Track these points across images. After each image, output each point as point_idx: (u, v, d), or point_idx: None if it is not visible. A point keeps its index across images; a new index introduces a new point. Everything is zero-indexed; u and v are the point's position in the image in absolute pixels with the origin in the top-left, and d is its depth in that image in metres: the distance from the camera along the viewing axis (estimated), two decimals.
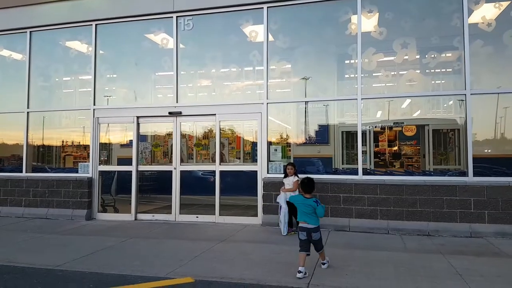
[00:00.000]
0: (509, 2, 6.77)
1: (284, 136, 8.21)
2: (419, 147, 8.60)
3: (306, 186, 4.73)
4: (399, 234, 6.59)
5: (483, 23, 6.87)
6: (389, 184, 6.82)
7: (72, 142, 9.79)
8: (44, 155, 9.79)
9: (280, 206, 6.70)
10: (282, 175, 7.00)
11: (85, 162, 8.85)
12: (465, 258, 5.21)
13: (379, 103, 7.82)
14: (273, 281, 4.28)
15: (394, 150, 8.92)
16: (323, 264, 4.73)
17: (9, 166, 9.70)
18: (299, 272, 4.36)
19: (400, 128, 8.43)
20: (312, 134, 8.23)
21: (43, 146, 9.60)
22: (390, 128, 8.36)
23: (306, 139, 8.20)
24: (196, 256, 5.34)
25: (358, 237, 6.43)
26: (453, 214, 6.54)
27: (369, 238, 6.36)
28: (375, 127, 8.16)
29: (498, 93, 6.80)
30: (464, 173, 6.82)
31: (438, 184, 6.65)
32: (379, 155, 8.84)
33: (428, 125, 8.59)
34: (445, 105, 8.14)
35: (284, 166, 7.15)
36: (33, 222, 8.13)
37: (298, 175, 6.67)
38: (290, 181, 6.67)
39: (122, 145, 9.40)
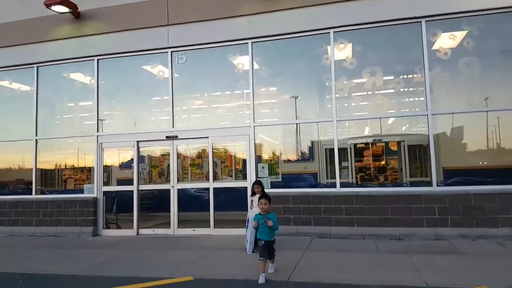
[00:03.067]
0: (463, 34, 8.03)
1: (273, 154, 9.32)
2: (397, 160, 9.75)
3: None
4: (373, 239, 7.66)
5: (440, 52, 8.14)
6: (363, 195, 7.95)
7: (73, 165, 10.77)
8: (47, 178, 10.79)
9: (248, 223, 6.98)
10: (270, 189, 8.07)
11: (86, 183, 9.97)
12: (426, 257, 6.27)
13: (360, 121, 8.98)
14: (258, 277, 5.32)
15: (378, 164, 10.05)
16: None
17: (18, 189, 10.70)
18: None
19: (383, 144, 9.58)
20: (298, 151, 9.36)
21: (47, 170, 10.64)
22: (372, 144, 9.48)
23: (293, 156, 9.33)
24: (194, 262, 6.38)
25: (337, 242, 7.50)
26: (420, 220, 7.65)
27: (347, 243, 7.42)
28: (356, 144, 9.30)
29: (454, 112, 8.03)
30: (429, 183, 7.96)
31: (406, 194, 7.80)
32: (364, 170, 9.97)
33: (404, 141, 9.77)
34: (419, 124, 9.29)
35: (252, 184, 7.34)
36: (44, 239, 9.11)
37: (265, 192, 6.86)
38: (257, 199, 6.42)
39: (121, 167, 10.47)
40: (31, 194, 10.07)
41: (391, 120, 8.96)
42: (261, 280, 5.20)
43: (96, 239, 9.03)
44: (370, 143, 9.37)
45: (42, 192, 10.23)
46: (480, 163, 8.19)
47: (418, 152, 9.16)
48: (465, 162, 8.35)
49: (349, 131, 9.19)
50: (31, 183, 10.41)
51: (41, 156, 10.41)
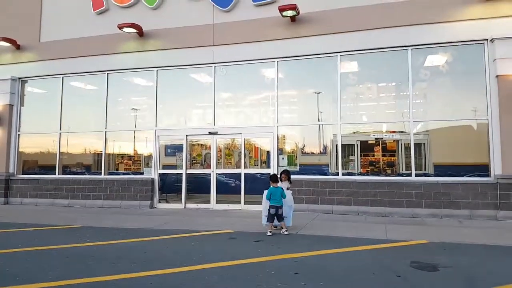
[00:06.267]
0: (440, 59, 10.80)
1: (292, 147, 12.33)
2: (395, 156, 12.52)
3: (275, 178, 8.50)
4: (365, 215, 10.60)
5: (421, 73, 10.92)
6: (358, 181, 10.89)
7: (123, 153, 14.21)
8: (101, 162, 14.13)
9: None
10: None
11: (132, 168, 13.55)
12: (397, 226, 9.13)
13: (365, 124, 11.87)
14: (277, 231, 8.38)
15: (380, 159, 12.86)
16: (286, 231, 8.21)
17: (78, 171, 14.17)
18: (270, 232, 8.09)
19: (392, 141, 12.31)
20: (314, 146, 12.32)
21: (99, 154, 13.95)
22: (376, 141, 12.22)
23: (309, 149, 12.31)
24: (232, 223, 9.50)
25: (336, 216, 10.48)
26: (401, 202, 10.52)
27: (344, 217, 10.39)
28: (361, 141, 12.12)
29: (428, 120, 10.89)
30: (410, 174, 10.81)
31: (392, 182, 10.68)
32: (374, 163, 12.82)
33: (401, 139, 12.56)
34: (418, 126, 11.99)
35: (280, 173, 9.31)
36: (113, 210, 12.47)
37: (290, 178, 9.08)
38: (284, 186, 8.60)
39: (166, 154, 13.73)
40: (100, 174, 13.49)
41: (388, 124, 11.77)
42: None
43: (153, 210, 12.35)
44: (375, 140, 12.12)
45: (109, 174, 13.65)
46: (456, 160, 10.96)
47: (417, 149, 11.86)
48: (449, 159, 11.12)
49: (358, 131, 12.09)
50: (89, 166, 14.04)
51: (97, 144, 13.82)
